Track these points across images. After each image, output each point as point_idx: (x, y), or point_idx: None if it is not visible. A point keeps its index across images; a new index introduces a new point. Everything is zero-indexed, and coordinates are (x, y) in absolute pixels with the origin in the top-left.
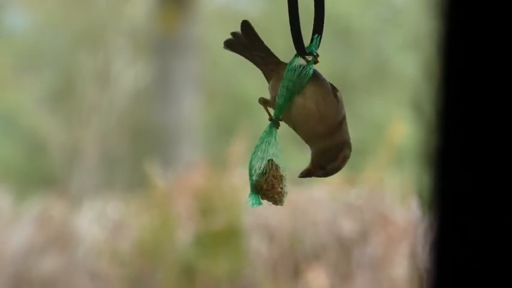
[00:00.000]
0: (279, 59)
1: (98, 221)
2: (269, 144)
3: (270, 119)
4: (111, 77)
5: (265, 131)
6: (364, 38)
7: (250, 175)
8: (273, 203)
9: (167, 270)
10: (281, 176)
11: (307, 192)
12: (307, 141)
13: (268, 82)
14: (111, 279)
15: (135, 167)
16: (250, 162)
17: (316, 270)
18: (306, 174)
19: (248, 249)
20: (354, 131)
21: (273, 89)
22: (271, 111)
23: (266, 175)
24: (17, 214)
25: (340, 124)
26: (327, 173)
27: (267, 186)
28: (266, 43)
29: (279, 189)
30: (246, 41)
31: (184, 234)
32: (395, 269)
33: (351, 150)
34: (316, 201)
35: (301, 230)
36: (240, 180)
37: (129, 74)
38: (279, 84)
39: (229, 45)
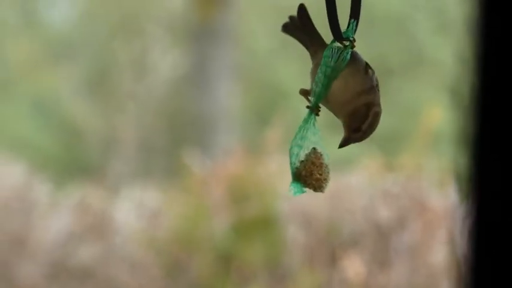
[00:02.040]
0: (322, 42)
1: (135, 209)
2: (309, 131)
3: (309, 106)
4: (148, 65)
5: (304, 118)
6: (399, 24)
7: (291, 163)
8: (313, 190)
9: (203, 258)
10: (321, 163)
11: (344, 179)
12: (337, 114)
13: (312, 63)
14: (149, 267)
15: (172, 155)
16: (290, 149)
17: (353, 257)
18: (344, 142)
19: (284, 237)
20: (390, 117)
21: (312, 74)
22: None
23: (305, 162)
24: (55, 203)
25: (365, 92)
26: (364, 133)
27: (305, 173)
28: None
29: (318, 176)
30: (299, 24)
31: (220, 222)
32: (433, 256)
33: (380, 109)
34: (353, 188)
35: (338, 217)
36: (276, 167)
37: (166, 62)
38: (316, 69)
39: (285, 28)
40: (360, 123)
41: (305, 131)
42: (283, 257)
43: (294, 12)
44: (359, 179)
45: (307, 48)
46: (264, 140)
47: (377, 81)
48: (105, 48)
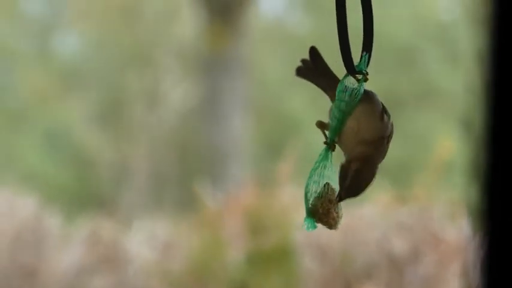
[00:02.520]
0: (337, 80)
1: (147, 241)
2: (325, 167)
3: (326, 142)
4: (159, 95)
5: (320, 154)
6: (410, 55)
7: (306, 199)
8: (328, 227)
9: None
10: (336, 200)
11: (358, 211)
12: (345, 154)
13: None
14: None
15: (184, 186)
16: (306, 186)
17: None
18: (339, 199)
19: (300, 268)
20: (402, 148)
21: (330, 113)
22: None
23: (322, 199)
24: (67, 234)
25: (370, 143)
26: (346, 191)
27: (322, 210)
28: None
29: (334, 214)
30: (313, 67)
31: (235, 254)
32: None
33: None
34: (366, 220)
35: (352, 249)
36: (290, 199)
37: (177, 92)
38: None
39: (300, 72)
40: (342, 179)
41: (322, 168)
42: None
43: (307, 44)
44: (372, 211)
45: (325, 91)
46: (276, 172)
47: (392, 129)
48: (116, 79)
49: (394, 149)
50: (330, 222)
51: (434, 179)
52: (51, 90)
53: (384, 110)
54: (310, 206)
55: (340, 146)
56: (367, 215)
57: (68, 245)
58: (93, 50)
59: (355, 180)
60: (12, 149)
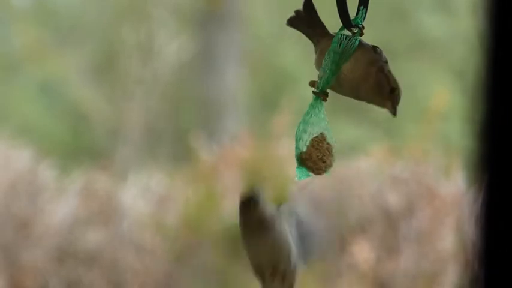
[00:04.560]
0: (325, 31)
1: (142, 194)
2: (314, 117)
3: (314, 91)
4: (154, 49)
5: (310, 104)
6: (402, 7)
7: (296, 147)
8: (313, 173)
9: (213, 244)
10: (325, 148)
11: (352, 164)
12: (356, 95)
13: (315, 52)
14: (157, 253)
15: (179, 139)
16: (296, 134)
17: (361, 243)
18: (394, 109)
19: None
20: None
21: (316, 64)
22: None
23: (309, 147)
24: (62, 187)
25: (376, 61)
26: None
27: (306, 156)
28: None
29: (321, 163)
30: (305, 18)
31: (230, 207)
32: (441, 242)
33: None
34: (361, 174)
35: (347, 203)
36: (285, 152)
37: (172, 47)
38: (321, 57)
39: (292, 22)
40: (388, 84)
41: (310, 117)
42: None
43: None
44: (367, 164)
45: (310, 38)
46: (271, 125)
47: (385, 58)
48: (111, 33)
49: None
50: (312, 167)
51: (429, 130)
52: (45, 43)
53: (374, 46)
54: (297, 154)
55: (343, 93)
56: (362, 168)
57: (63, 198)
58: (88, 3)
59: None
60: (6, 102)
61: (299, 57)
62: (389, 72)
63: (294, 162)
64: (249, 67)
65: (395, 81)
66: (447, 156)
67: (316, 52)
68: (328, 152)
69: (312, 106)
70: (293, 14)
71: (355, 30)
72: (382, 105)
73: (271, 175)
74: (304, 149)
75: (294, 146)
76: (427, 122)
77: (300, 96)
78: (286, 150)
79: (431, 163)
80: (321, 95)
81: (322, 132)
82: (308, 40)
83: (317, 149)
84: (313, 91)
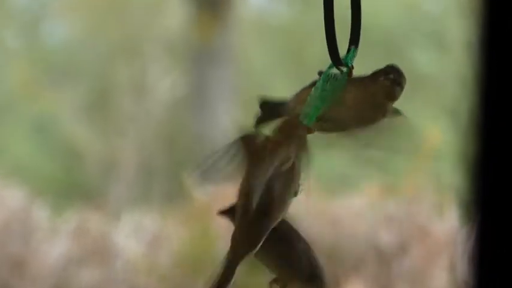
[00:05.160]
0: (289, 103)
1: (135, 234)
2: None
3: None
4: (147, 86)
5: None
6: (397, 45)
7: None
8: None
9: (207, 283)
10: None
11: (346, 202)
12: (348, 125)
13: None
14: None
15: (173, 177)
16: None
17: (355, 282)
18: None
19: None
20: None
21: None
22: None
23: None
24: (55, 227)
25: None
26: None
27: None
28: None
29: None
30: (267, 113)
31: (224, 247)
32: (435, 281)
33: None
34: (354, 212)
35: (340, 242)
36: None
37: (165, 83)
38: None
39: (258, 123)
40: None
41: None
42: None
43: (292, 35)
44: (360, 202)
45: (283, 115)
46: None
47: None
48: (104, 70)
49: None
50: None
51: (422, 167)
52: (39, 81)
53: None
54: None
55: (330, 130)
56: (355, 205)
57: (56, 237)
58: (81, 41)
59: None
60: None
61: (290, 92)
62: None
63: None
64: (241, 103)
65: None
66: (440, 194)
67: (290, 109)
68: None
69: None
70: (256, 117)
71: (344, 69)
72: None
73: None
74: None
75: None
76: (419, 159)
77: None
78: None
79: (424, 201)
80: (309, 130)
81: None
82: (299, 75)
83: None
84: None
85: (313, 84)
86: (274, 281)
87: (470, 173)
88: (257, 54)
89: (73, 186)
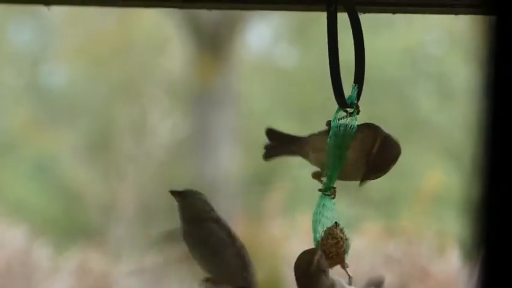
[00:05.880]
0: (302, 138)
1: (137, 273)
2: (325, 214)
3: (321, 189)
4: (147, 128)
5: (318, 203)
6: (399, 88)
7: (314, 239)
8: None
9: None
10: (341, 239)
11: None
12: (353, 175)
13: (308, 159)
14: None
15: (173, 219)
16: (312, 225)
17: None
18: (363, 179)
19: None
20: (390, 180)
21: (315, 160)
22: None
23: (325, 241)
24: (56, 266)
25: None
26: (374, 158)
27: (328, 250)
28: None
29: (340, 251)
30: (276, 144)
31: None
32: None
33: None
34: (354, 253)
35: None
36: (278, 232)
37: (166, 125)
38: (316, 154)
39: (266, 156)
40: (369, 148)
41: (320, 216)
42: None
43: (294, 77)
44: (360, 243)
45: (293, 154)
46: (265, 205)
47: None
48: (105, 111)
49: (382, 181)
50: (335, 259)
51: (423, 211)
52: (39, 123)
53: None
54: (316, 244)
55: (345, 179)
56: (356, 247)
57: (57, 277)
58: (81, 82)
59: (383, 147)
60: (0, 180)
61: (293, 133)
62: (383, 139)
63: (287, 242)
64: (243, 145)
65: (379, 147)
66: (441, 235)
67: (307, 155)
68: (345, 242)
69: (321, 205)
70: (264, 149)
71: (351, 110)
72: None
73: (264, 254)
74: (319, 244)
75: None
76: (421, 202)
77: (293, 175)
78: (279, 230)
79: (424, 243)
80: (329, 193)
81: (333, 225)
82: (301, 115)
83: (337, 242)
84: (319, 189)
85: (324, 132)
86: (207, 279)
87: (473, 215)
88: (258, 96)
89: (74, 225)
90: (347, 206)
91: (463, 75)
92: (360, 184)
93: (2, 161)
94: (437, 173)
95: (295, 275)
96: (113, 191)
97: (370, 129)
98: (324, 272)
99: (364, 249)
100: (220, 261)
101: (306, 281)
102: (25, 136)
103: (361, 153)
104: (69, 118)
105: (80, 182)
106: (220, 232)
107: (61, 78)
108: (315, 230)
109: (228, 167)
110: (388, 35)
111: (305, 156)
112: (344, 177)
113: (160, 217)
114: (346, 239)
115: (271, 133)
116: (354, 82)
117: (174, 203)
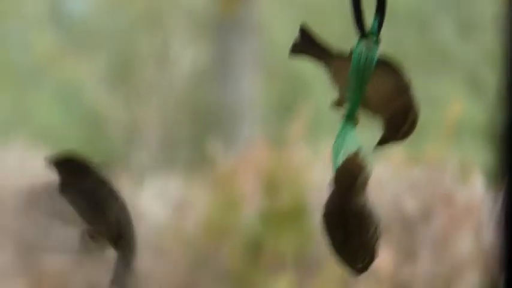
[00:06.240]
0: (331, 51)
1: (160, 200)
2: (348, 138)
3: (343, 116)
4: (170, 57)
5: (340, 132)
6: (422, 19)
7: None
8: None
9: (232, 248)
10: (359, 164)
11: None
12: (375, 115)
13: (329, 76)
14: (175, 257)
15: (196, 146)
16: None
17: (380, 248)
18: (383, 141)
19: (313, 227)
20: None
21: (333, 83)
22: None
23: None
24: None
25: (402, 90)
26: (404, 135)
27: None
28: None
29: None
30: (305, 43)
31: (248, 214)
32: (459, 247)
33: (417, 114)
34: (378, 180)
35: None
36: (301, 159)
37: (188, 54)
38: (337, 77)
39: (293, 51)
40: (400, 124)
41: (342, 143)
42: (312, 247)
43: (316, 6)
44: (384, 171)
45: (317, 62)
46: (287, 132)
47: (408, 78)
48: (127, 41)
49: None
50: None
51: (446, 139)
52: (62, 50)
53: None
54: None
55: (363, 112)
56: (380, 173)
57: None
58: (104, 10)
59: (413, 124)
60: (23, 107)
61: (312, 64)
62: (414, 116)
63: (309, 169)
64: (265, 73)
65: (410, 125)
66: (464, 163)
67: (329, 72)
68: (365, 170)
69: (342, 132)
70: (293, 44)
71: (373, 39)
72: (384, 129)
73: (288, 181)
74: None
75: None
76: (444, 129)
77: (316, 103)
78: (301, 157)
79: (448, 169)
80: (353, 120)
81: (353, 151)
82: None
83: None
84: (342, 116)
85: (348, 58)
86: (87, 231)
87: (497, 143)
88: (280, 25)
89: (96, 152)
90: (370, 134)
91: (488, 4)
92: (376, 146)
93: (25, 88)
94: (460, 102)
95: (338, 180)
96: (135, 118)
97: (390, 74)
98: (366, 185)
99: (387, 176)
100: (102, 215)
101: (349, 186)
102: (49, 63)
103: (378, 94)
104: (92, 46)
105: (102, 109)
106: (103, 187)
107: (84, 6)
108: (335, 158)
109: (250, 95)
110: None
111: (327, 71)
112: (365, 107)
113: (183, 145)
114: (367, 167)
115: (303, 32)
116: (376, 12)
117: (196, 129)
